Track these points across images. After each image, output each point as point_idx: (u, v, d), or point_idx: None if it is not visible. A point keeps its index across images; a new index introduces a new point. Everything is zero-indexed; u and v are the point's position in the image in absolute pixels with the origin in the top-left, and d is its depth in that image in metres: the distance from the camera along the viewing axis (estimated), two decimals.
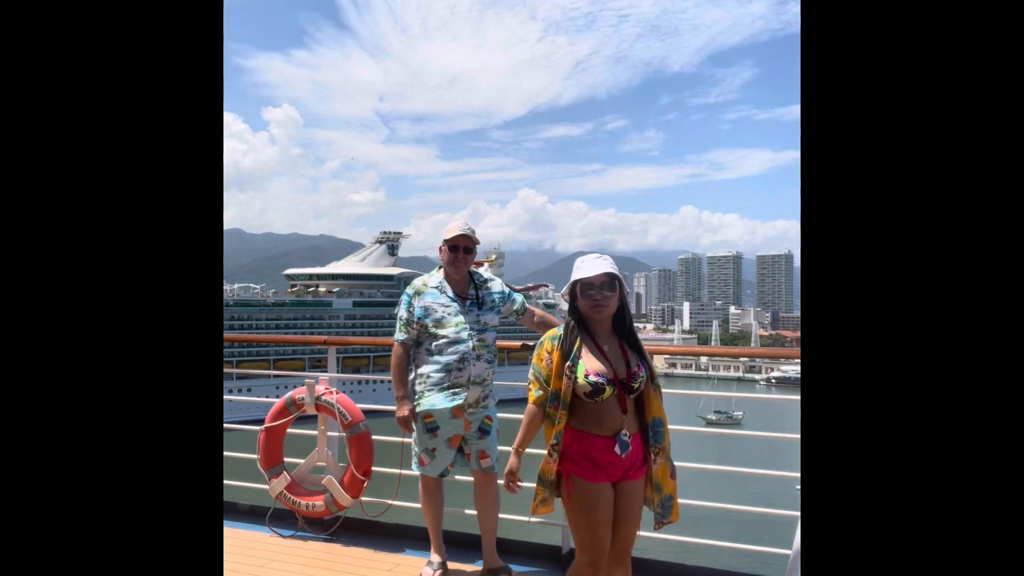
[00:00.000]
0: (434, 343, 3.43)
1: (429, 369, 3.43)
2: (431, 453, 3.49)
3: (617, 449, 2.61)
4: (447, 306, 3.47)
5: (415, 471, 3.59)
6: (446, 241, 3.50)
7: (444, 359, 3.40)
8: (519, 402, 3.38)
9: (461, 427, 3.45)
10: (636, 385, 2.65)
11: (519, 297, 3.70)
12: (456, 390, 3.40)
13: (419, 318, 3.46)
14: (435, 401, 3.41)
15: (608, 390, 2.61)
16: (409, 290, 3.57)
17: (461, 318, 3.45)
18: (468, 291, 3.54)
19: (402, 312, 3.53)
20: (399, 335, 3.52)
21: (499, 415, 3.61)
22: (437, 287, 3.53)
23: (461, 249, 3.49)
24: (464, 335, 3.42)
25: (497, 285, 3.65)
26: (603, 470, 2.64)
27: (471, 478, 3.60)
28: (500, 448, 3.56)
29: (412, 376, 3.52)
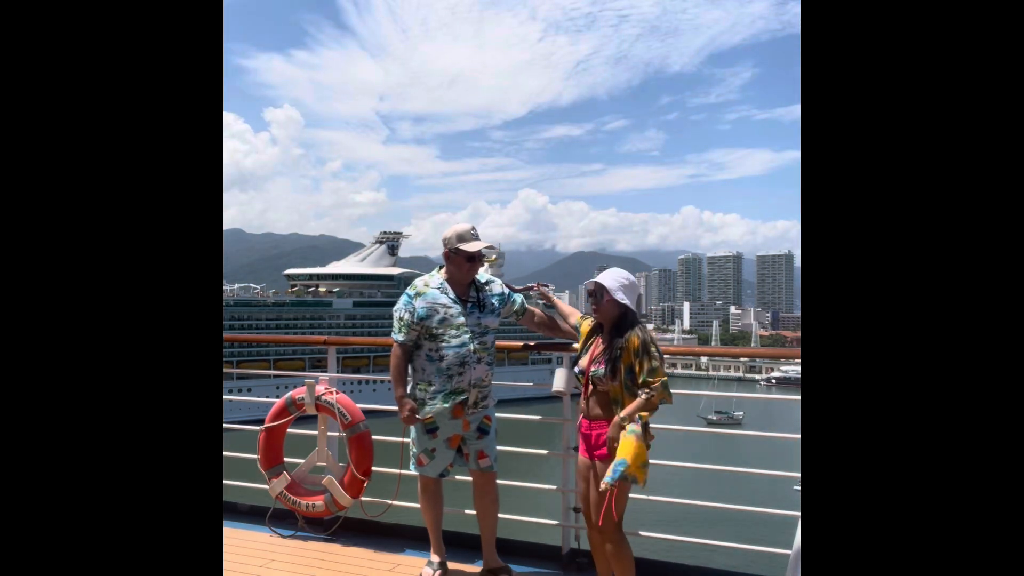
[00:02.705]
0: (434, 345, 3.41)
1: (430, 373, 3.41)
2: (430, 454, 3.47)
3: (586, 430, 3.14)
4: (448, 308, 3.43)
5: (414, 471, 3.57)
6: (463, 252, 3.44)
7: (445, 363, 3.38)
8: (518, 402, 3.38)
9: (460, 427, 3.43)
10: (592, 379, 3.10)
11: (519, 297, 3.68)
12: (458, 395, 3.39)
13: (420, 319, 3.42)
14: (437, 406, 3.40)
15: (581, 378, 3.17)
16: (410, 290, 3.52)
17: (463, 320, 3.42)
18: (469, 293, 3.51)
19: (402, 312, 3.48)
20: (399, 336, 3.48)
21: (498, 415, 3.60)
22: (439, 288, 3.49)
23: (477, 259, 3.49)
24: (465, 338, 3.40)
25: (497, 287, 3.62)
26: (581, 444, 3.20)
27: (470, 478, 3.60)
28: (499, 448, 3.56)
29: (411, 379, 3.50)
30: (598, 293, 3.15)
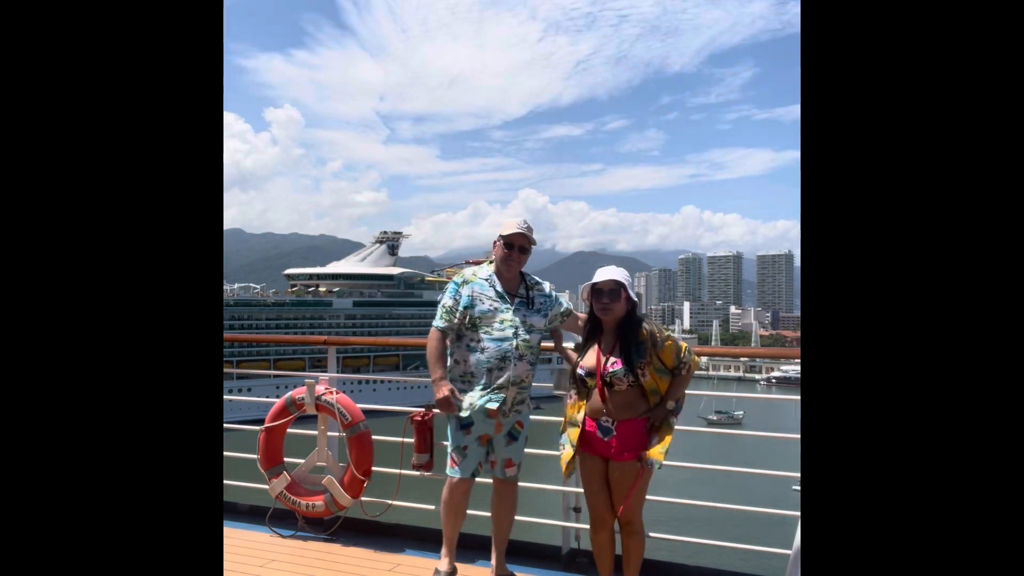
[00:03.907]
0: (476, 336, 3.30)
1: (471, 365, 3.31)
2: (462, 452, 3.36)
3: (599, 433, 3.06)
4: (494, 300, 3.34)
5: (448, 474, 3.43)
6: (502, 237, 3.38)
7: (486, 355, 3.27)
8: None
9: (492, 428, 3.34)
10: (608, 379, 3.04)
11: (565, 301, 3.57)
12: (496, 392, 3.28)
13: (464, 307, 3.32)
14: (474, 401, 3.29)
15: (590, 381, 3.08)
16: (457, 278, 3.44)
17: (508, 315, 3.32)
18: (518, 290, 3.42)
19: (446, 300, 3.38)
20: (439, 321, 3.37)
21: (530, 417, 3.50)
22: (486, 280, 3.39)
23: (516, 248, 3.38)
24: (509, 333, 3.30)
25: (546, 288, 3.54)
26: (591, 446, 3.11)
27: (488, 480, 3.55)
28: (527, 450, 3.51)
29: (451, 371, 3.38)
30: (615, 291, 3.10)
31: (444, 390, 3.29)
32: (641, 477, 3.03)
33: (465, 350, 3.34)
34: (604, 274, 3.13)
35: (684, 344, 3.16)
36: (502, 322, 3.31)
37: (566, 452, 3.17)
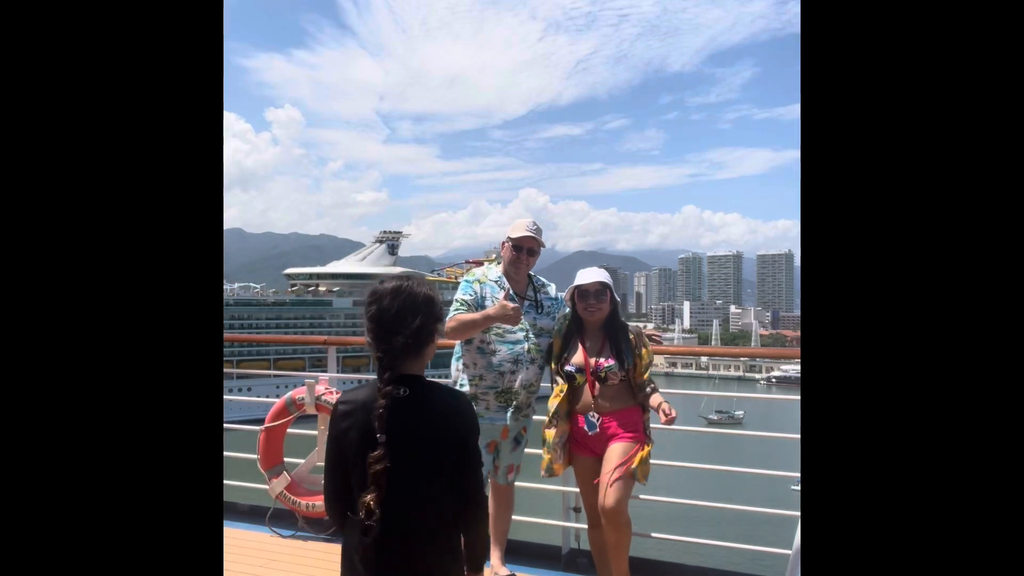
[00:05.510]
0: (487, 339, 3.25)
1: (481, 368, 3.26)
2: None
3: (585, 427, 3.13)
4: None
5: None
6: (511, 239, 3.34)
7: (497, 358, 3.24)
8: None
9: (500, 434, 3.33)
10: (603, 375, 3.09)
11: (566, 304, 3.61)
12: (508, 398, 3.26)
13: (478, 306, 3.26)
14: (484, 417, 3.24)
15: (579, 377, 3.12)
16: (469, 277, 3.40)
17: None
18: (527, 292, 3.39)
19: (463, 295, 3.30)
20: (453, 313, 3.26)
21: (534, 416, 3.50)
22: (496, 282, 3.35)
23: (525, 250, 3.34)
24: (520, 336, 3.26)
25: (553, 290, 3.51)
26: (581, 444, 3.17)
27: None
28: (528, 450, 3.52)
29: (462, 373, 3.35)
30: (601, 292, 3.15)
31: (504, 306, 3.08)
32: (639, 450, 3.08)
33: (476, 352, 3.29)
34: (589, 275, 3.18)
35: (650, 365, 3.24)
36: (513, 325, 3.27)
37: (547, 456, 3.22)
